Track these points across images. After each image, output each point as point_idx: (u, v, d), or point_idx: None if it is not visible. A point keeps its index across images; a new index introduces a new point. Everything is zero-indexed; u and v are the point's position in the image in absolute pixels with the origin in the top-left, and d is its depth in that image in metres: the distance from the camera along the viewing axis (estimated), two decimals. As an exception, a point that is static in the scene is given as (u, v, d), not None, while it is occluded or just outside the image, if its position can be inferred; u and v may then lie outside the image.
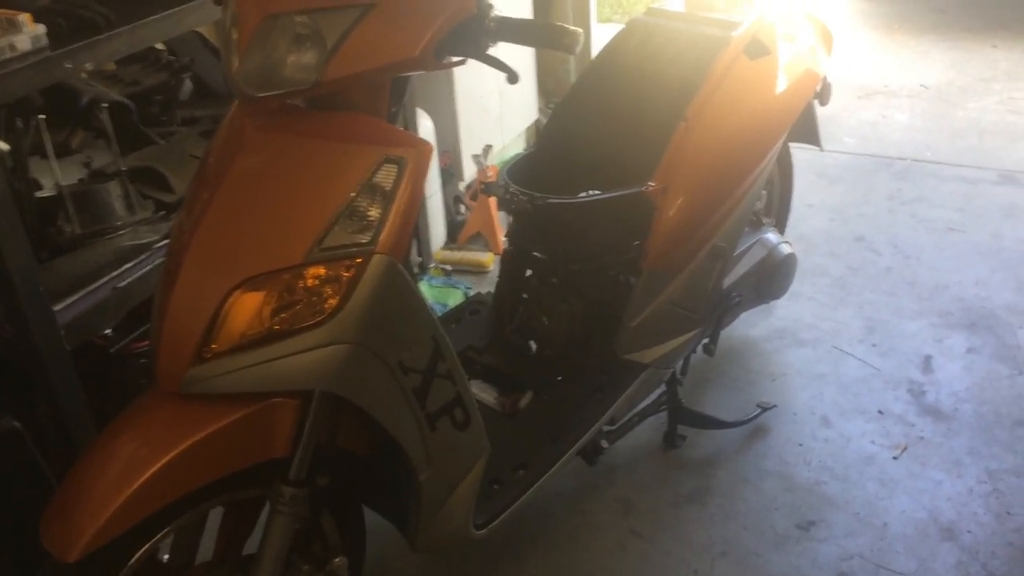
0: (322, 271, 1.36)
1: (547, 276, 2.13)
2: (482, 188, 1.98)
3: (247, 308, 1.36)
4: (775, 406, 2.45)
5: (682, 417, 2.33)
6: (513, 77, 1.42)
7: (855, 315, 2.87)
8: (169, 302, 1.40)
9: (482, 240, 3.41)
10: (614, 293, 2.07)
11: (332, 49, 1.34)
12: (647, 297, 2.04)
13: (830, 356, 2.70)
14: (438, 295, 2.95)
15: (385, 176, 1.37)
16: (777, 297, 2.54)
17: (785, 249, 2.43)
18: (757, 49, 2.09)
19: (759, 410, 2.42)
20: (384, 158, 1.37)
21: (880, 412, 2.47)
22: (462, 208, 3.52)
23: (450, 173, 3.48)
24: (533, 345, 2.18)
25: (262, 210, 1.39)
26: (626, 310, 2.03)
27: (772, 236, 2.43)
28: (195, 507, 1.44)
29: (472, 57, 1.42)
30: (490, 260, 3.27)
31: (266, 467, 1.46)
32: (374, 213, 1.37)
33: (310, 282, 1.37)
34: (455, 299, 2.94)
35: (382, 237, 1.36)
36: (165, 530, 1.42)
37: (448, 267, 3.22)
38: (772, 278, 2.41)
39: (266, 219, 1.38)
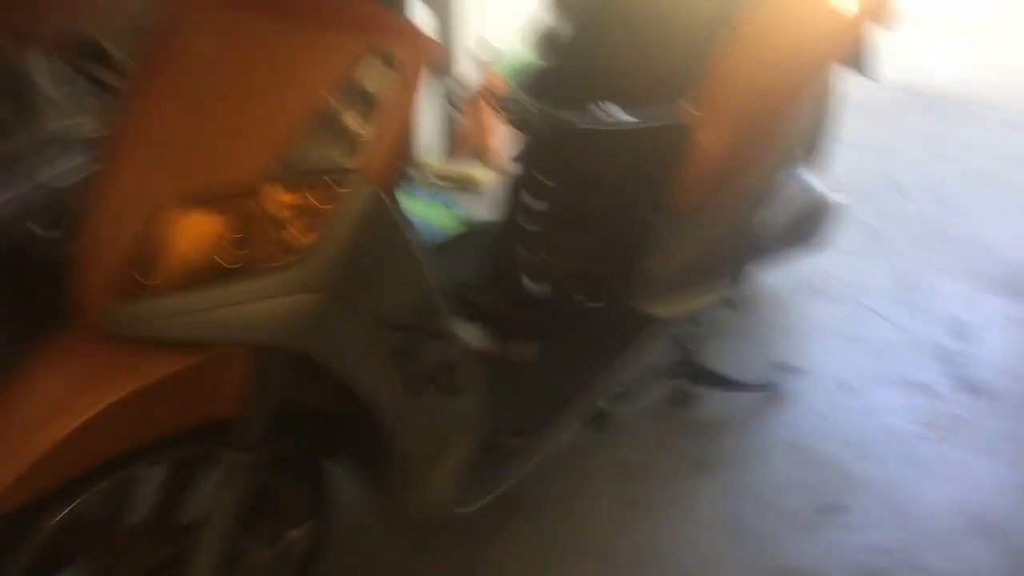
0: (289, 198, 1.06)
1: (559, 210, 1.82)
2: (492, 103, 1.65)
3: (193, 234, 1.07)
4: (796, 369, 2.19)
5: (693, 374, 2.07)
6: None
7: (885, 269, 2.61)
8: (94, 213, 1.10)
9: (477, 152, 3.08)
10: (634, 234, 1.77)
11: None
12: (672, 242, 1.74)
13: (857, 315, 2.44)
14: (424, 212, 2.63)
15: (368, 73, 1.06)
16: (811, 249, 2.26)
17: (829, 194, 2.13)
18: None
19: (778, 372, 2.16)
20: (367, 49, 1.05)
21: (909, 383, 2.22)
22: (455, 113, 3.17)
23: (440, 69, 3.11)
24: (536, 288, 1.89)
25: (213, 106, 1.09)
26: (647, 255, 1.74)
27: (813, 177, 2.12)
28: (122, 468, 1.18)
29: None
30: (484, 176, 2.95)
31: (211, 426, 1.20)
32: (356, 125, 1.05)
33: (275, 211, 1.06)
34: (443, 220, 2.63)
35: (367, 160, 1.05)
36: (85, 494, 1.15)
37: (438, 181, 2.90)
38: (810, 227, 2.12)
39: (214, 121, 1.08)
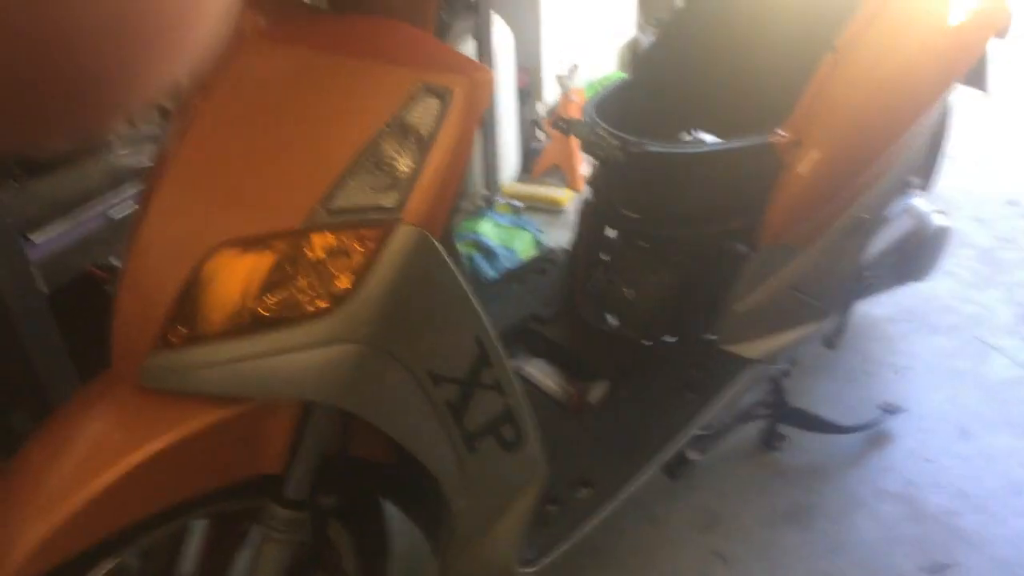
0: (332, 240, 0.99)
1: (636, 239, 1.70)
2: (562, 125, 1.55)
3: (229, 282, 1.01)
4: (901, 410, 2.00)
5: (785, 414, 1.91)
6: None
7: (1003, 299, 2.38)
8: (130, 260, 1.06)
9: (559, 174, 2.98)
10: (719, 268, 1.64)
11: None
12: (761, 276, 1.60)
13: (971, 349, 2.22)
14: (504, 236, 2.54)
15: (422, 113, 0.97)
16: (920, 279, 2.07)
17: (937, 220, 1.95)
18: (937, -40, 1.58)
19: (881, 413, 1.98)
20: (422, 87, 0.97)
21: (1032, 427, 2.00)
22: (539, 135, 3.08)
23: (528, 93, 3.04)
24: (611, 321, 1.77)
25: (257, 147, 1.02)
26: (733, 290, 1.61)
27: (920, 202, 1.94)
28: (166, 522, 1.12)
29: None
30: (567, 198, 2.85)
31: (257, 480, 1.13)
32: (404, 165, 0.97)
33: (315, 253, 0.99)
34: (523, 243, 2.54)
35: (413, 200, 0.97)
36: (128, 550, 1.10)
37: (518, 203, 2.81)
38: (918, 256, 1.94)
39: (261, 160, 1.01)
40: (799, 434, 1.96)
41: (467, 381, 1.09)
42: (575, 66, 2.87)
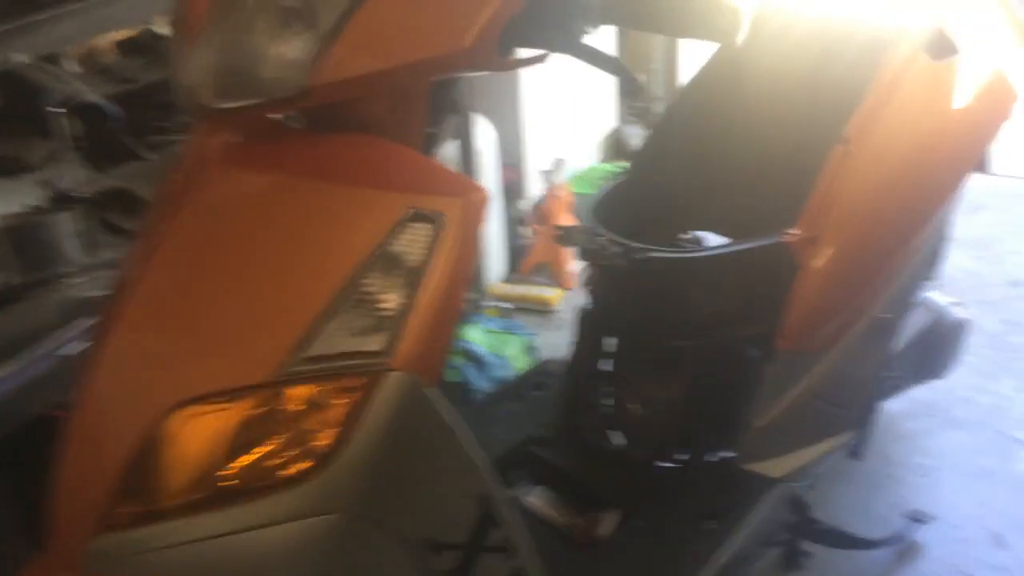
0: (308, 393, 0.85)
1: (641, 350, 1.58)
2: (560, 234, 1.44)
3: (189, 446, 0.87)
4: (931, 518, 1.85)
5: (808, 531, 1.75)
6: (631, 83, 0.88)
7: (1020, 387, 2.26)
8: (75, 418, 0.92)
9: (547, 272, 2.87)
10: (735, 379, 1.51)
11: (329, 34, 0.83)
12: (781, 386, 1.47)
13: (995, 444, 2.09)
14: (494, 343, 2.41)
15: (411, 242, 0.85)
16: (941, 376, 1.94)
17: (956, 314, 1.84)
18: (942, 46, 1.50)
19: (909, 522, 1.83)
20: (410, 212, 0.85)
21: (1073, 531, 1.86)
22: (525, 233, 2.98)
23: (513, 190, 2.95)
24: (617, 441, 1.63)
25: (224, 284, 0.89)
26: (751, 403, 1.47)
27: (936, 295, 1.83)
28: None
29: (559, 51, 0.89)
30: (557, 297, 2.73)
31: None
32: (392, 302, 0.84)
33: (289, 410, 0.86)
34: (515, 349, 2.40)
35: (403, 343, 0.84)
36: None
37: (507, 304, 2.69)
38: (938, 352, 1.82)
39: (229, 299, 0.88)
40: (824, 550, 1.80)
41: (470, 546, 0.94)
42: (560, 160, 2.79)
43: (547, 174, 2.75)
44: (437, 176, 0.88)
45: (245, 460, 0.84)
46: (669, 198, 1.63)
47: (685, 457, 1.57)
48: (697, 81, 1.67)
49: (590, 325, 1.64)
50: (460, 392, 2.25)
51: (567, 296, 2.77)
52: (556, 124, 3.10)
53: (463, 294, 0.87)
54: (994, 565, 1.78)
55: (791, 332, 1.42)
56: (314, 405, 0.84)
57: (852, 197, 1.40)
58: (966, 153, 1.52)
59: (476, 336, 2.41)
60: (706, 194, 1.63)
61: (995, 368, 2.32)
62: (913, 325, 1.76)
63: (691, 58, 3.62)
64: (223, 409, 0.84)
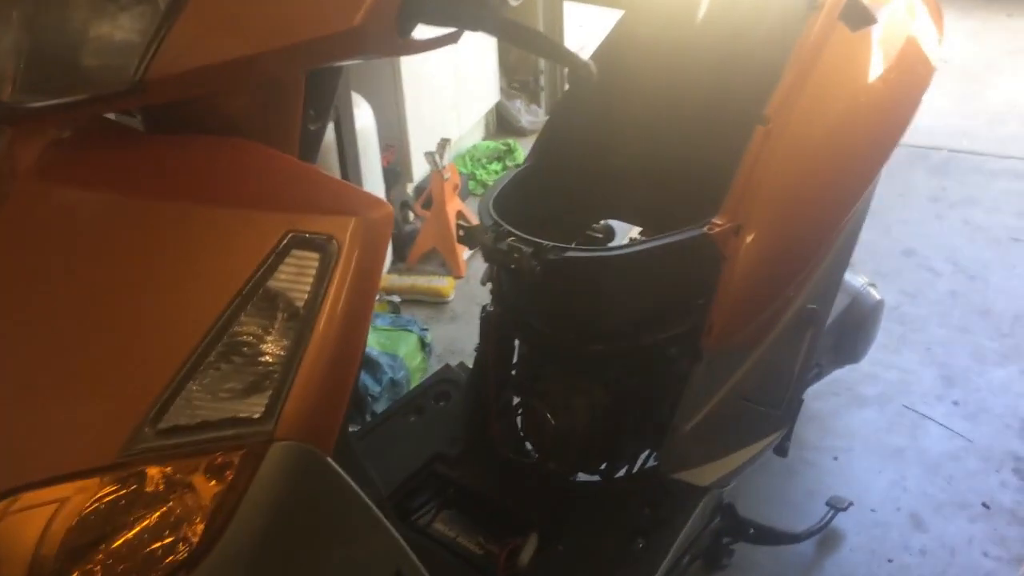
0: (165, 474, 0.66)
1: (554, 355, 1.43)
2: (463, 236, 1.27)
3: (14, 548, 0.66)
4: (850, 504, 1.80)
5: (735, 531, 1.67)
6: (578, 67, 0.72)
7: (924, 359, 2.25)
8: None
9: (438, 258, 2.69)
10: (658, 383, 1.39)
11: (171, 8, 0.64)
12: (707, 388, 1.36)
13: (904, 420, 2.07)
14: (385, 341, 2.22)
15: (293, 275, 0.67)
16: (858, 360, 1.88)
17: (872, 295, 1.77)
18: (859, 16, 1.40)
19: (830, 511, 1.77)
20: (290, 237, 0.66)
21: (985, 505, 1.84)
22: (411, 217, 2.80)
23: (396, 172, 2.75)
24: (528, 456, 1.49)
25: (50, 340, 0.68)
26: (676, 409, 1.35)
27: (852, 277, 1.76)
28: None
29: (474, 28, 0.72)
30: (450, 287, 2.56)
31: None
32: (272, 352, 0.66)
33: (142, 496, 0.67)
34: (408, 347, 2.22)
35: (288, 403, 0.66)
36: None
37: (395, 297, 2.50)
38: (856, 335, 1.75)
39: (56, 361, 0.68)
40: (746, 546, 1.72)
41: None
42: (445, 140, 2.61)
43: (432, 155, 2.56)
44: (323, 189, 0.69)
45: (87, 563, 0.65)
46: (575, 187, 1.49)
47: (606, 469, 1.45)
48: (597, 58, 1.52)
49: (496, 327, 1.48)
50: (352, 400, 2.06)
51: (460, 285, 2.61)
52: (438, 101, 2.91)
53: (363, 336, 0.69)
54: (916, 549, 1.75)
55: (717, 330, 1.31)
56: (178, 490, 0.65)
57: (776, 180, 1.29)
58: (890, 127, 1.43)
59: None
60: (615, 182, 1.49)
61: (896, 341, 2.31)
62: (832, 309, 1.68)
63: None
64: (57, 500, 0.65)
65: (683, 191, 1.44)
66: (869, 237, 2.71)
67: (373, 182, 2.45)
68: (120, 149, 0.72)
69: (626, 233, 1.68)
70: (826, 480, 1.91)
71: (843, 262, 1.47)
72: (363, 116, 2.36)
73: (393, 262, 2.69)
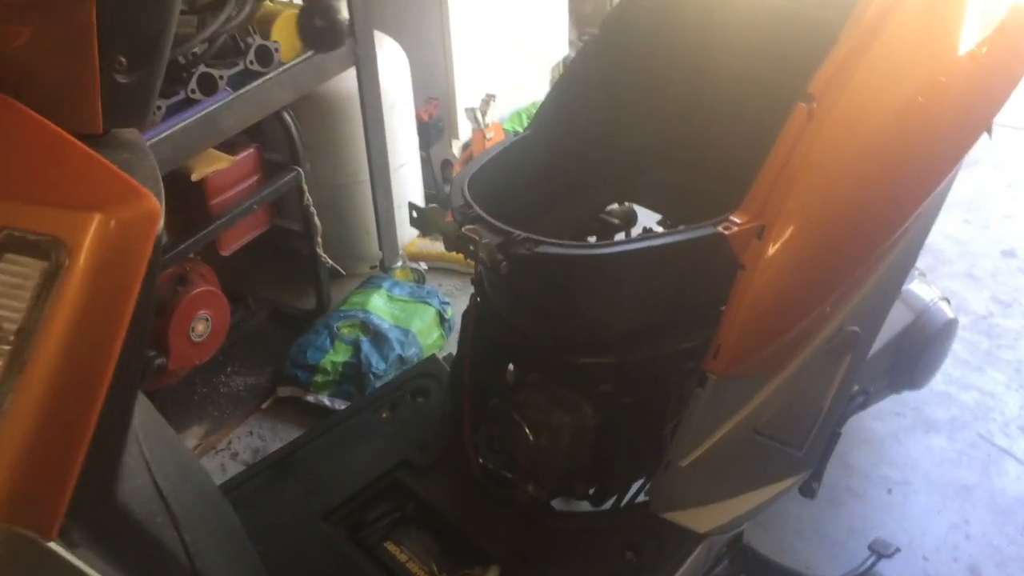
0: None
1: (540, 363, 1.22)
2: (413, 216, 1.08)
3: None
4: (897, 550, 1.54)
5: (752, 568, 1.44)
6: None
7: (1011, 382, 1.94)
8: None
9: (476, 225, 2.49)
10: (654, 406, 1.17)
11: None
12: (713, 418, 1.13)
13: (977, 452, 1.78)
14: (399, 314, 2.04)
15: (5, 289, 0.48)
16: (919, 387, 1.61)
17: (943, 312, 1.49)
18: (947, -31, 1.12)
19: (872, 556, 1.52)
20: (3, 236, 0.47)
21: (1065, 566, 1.56)
22: (452, 176, 2.60)
23: (439, 128, 2.55)
24: (500, 477, 1.29)
25: None
26: (674, 437, 1.13)
27: (920, 288, 1.48)
28: None
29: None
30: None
31: None
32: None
33: None
34: (424, 322, 2.04)
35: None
36: None
37: (422, 264, 2.32)
38: (917, 359, 1.48)
39: None
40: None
41: None
42: (490, 96, 2.39)
43: (473, 111, 2.35)
44: (74, 173, 0.50)
45: None
46: (582, 164, 1.26)
47: (592, 497, 1.24)
48: (618, 17, 1.26)
49: (476, 323, 1.28)
50: (354, 375, 1.90)
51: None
52: (493, 51, 2.68)
53: (102, 381, 0.50)
54: (969, 609, 1.49)
55: (728, 350, 1.07)
56: None
57: (815, 173, 1.04)
58: (974, 114, 1.15)
59: (378, 306, 2.04)
60: (630, 161, 1.25)
61: (980, 358, 2.00)
62: (891, 324, 1.41)
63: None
64: None
65: (710, 177, 1.20)
66: (964, 232, 2.39)
67: (405, 138, 2.25)
68: None
69: (651, 221, 1.45)
70: (874, 517, 1.65)
71: (899, 275, 1.20)
72: (391, 61, 2.14)
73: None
